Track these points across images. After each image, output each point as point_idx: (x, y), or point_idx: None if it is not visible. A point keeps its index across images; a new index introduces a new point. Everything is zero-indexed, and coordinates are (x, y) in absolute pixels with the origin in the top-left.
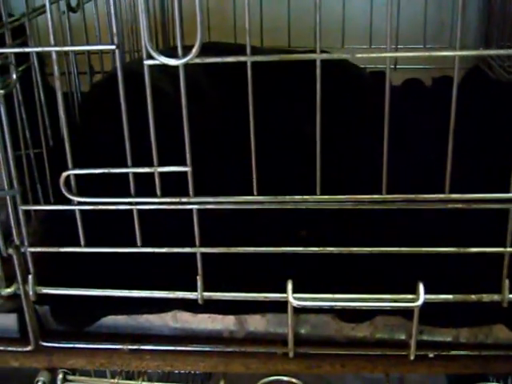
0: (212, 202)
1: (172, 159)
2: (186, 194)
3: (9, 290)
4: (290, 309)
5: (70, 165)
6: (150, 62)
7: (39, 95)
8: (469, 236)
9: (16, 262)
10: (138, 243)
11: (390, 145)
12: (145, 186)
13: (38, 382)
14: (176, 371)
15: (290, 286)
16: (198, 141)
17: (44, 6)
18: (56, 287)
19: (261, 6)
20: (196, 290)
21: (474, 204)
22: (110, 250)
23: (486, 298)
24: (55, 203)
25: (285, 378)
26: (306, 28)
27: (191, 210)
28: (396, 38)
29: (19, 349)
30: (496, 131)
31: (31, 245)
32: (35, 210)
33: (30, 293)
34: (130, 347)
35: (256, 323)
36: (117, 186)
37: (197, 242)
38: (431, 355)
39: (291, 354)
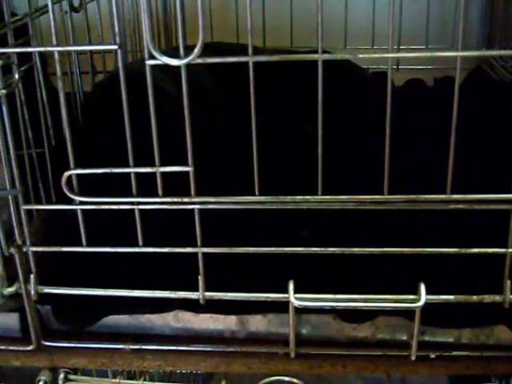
0: (213, 202)
1: (174, 159)
2: (188, 194)
3: (11, 290)
4: (291, 309)
5: (71, 164)
6: (152, 62)
7: (41, 95)
8: (470, 236)
9: (18, 261)
10: (140, 243)
11: (392, 145)
12: (147, 185)
13: (39, 381)
14: (177, 371)
15: (291, 286)
16: (199, 141)
17: (46, 5)
18: (58, 287)
19: (263, 7)
20: (197, 290)
21: (475, 205)
22: (111, 250)
23: (487, 298)
24: (57, 203)
25: (286, 378)
26: (308, 28)
27: (193, 209)
28: (398, 38)
29: (21, 348)
30: (498, 132)
31: (33, 244)
32: (37, 210)
33: (32, 292)
34: (131, 347)
35: (257, 323)
36: (119, 186)
37: (198, 242)
38: (433, 356)
39: (292, 354)
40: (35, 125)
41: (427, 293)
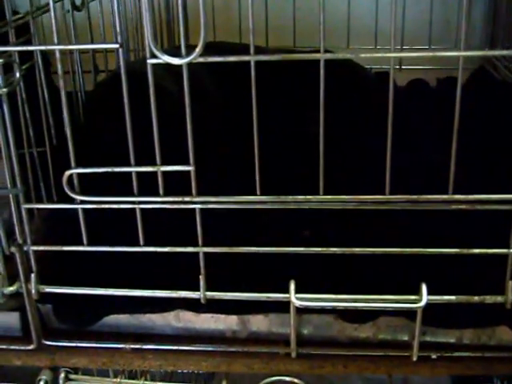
0: (215, 202)
1: (175, 158)
2: (189, 194)
3: (11, 289)
4: (292, 309)
5: (72, 163)
6: (154, 60)
7: (43, 94)
8: (472, 237)
9: (19, 260)
10: (141, 242)
11: (394, 145)
12: (148, 184)
13: (40, 380)
14: (179, 370)
15: (292, 286)
16: (201, 140)
17: (48, 4)
18: (58, 286)
19: (266, 6)
20: (199, 290)
21: (477, 205)
22: (112, 249)
23: (489, 299)
24: (58, 202)
25: (287, 379)
26: (311, 28)
27: (194, 209)
28: (401, 38)
29: (22, 347)
30: (500, 132)
31: (34, 243)
32: (38, 209)
33: (33, 291)
34: (132, 346)
35: (259, 323)
36: (120, 185)
37: (199, 242)
38: (434, 356)
39: (294, 355)
40: (37, 123)
41: (429, 293)
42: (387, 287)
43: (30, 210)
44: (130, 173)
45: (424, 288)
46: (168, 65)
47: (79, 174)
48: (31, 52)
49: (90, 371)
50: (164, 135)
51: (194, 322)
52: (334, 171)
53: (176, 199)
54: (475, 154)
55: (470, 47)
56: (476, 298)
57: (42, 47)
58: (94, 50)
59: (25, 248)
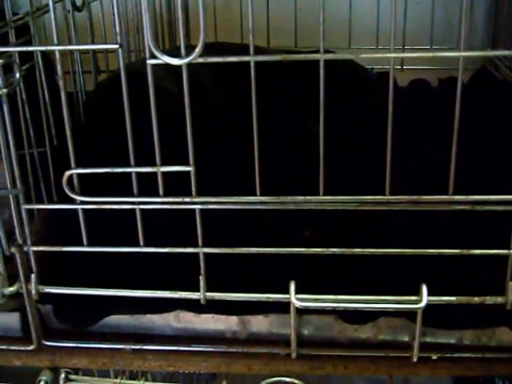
0: (214, 202)
1: (175, 159)
2: (189, 194)
3: (11, 289)
4: (292, 310)
5: (72, 164)
6: (153, 61)
7: (43, 94)
8: (473, 237)
9: (19, 260)
10: (141, 243)
11: (395, 145)
12: (149, 185)
13: (40, 381)
14: (180, 371)
15: (292, 287)
16: (201, 140)
17: (48, 4)
18: (59, 286)
19: (267, 6)
20: (199, 290)
21: (477, 206)
22: (112, 250)
23: (489, 300)
24: (58, 202)
25: (287, 379)
26: (312, 28)
27: (194, 209)
28: (403, 38)
29: (22, 348)
30: (502, 132)
31: (34, 244)
32: (38, 209)
33: (33, 292)
34: (132, 347)
35: (259, 324)
36: (120, 185)
37: (199, 242)
38: (434, 357)
39: (294, 355)
40: (39, 124)
41: (429, 294)
42: (387, 288)
43: (30, 211)
44: (130, 173)
45: (424, 289)
46: (168, 65)
47: (79, 175)
48: (32, 52)
49: (90, 372)
50: (164, 135)
51: (194, 323)
52: (335, 171)
53: (176, 200)
54: (477, 154)
55: (472, 47)
56: (476, 299)
57: (42, 48)
58: (95, 51)
59: (25, 248)
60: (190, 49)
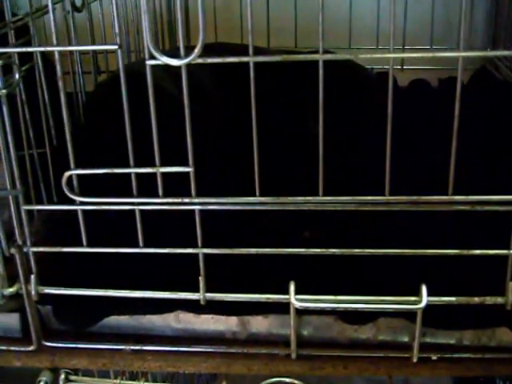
0: (214, 203)
1: (175, 159)
2: (190, 194)
3: (11, 290)
4: (292, 310)
5: (72, 165)
6: (152, 62)
7: (43, 95)
8: (473, 238)
9: (18, 261)
10: (140, 243)
11: (395, 145)
12: (149, 185)
13: (40, 381)
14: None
15: (292, 288)
16: (200, 141)
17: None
18: (58, 287)
19: (267, 6)
20: (198, 291)
21: (477, 206)
22: (112, 250)
23: (489, 300)
24: (58, 203)
25: (287, 380)
26: (312, 28)
27: (194, 210)
28: (403, 38)
29: (21, 348)
30: (502, 132)
31: (34, 244)
32: (38, 210)
33: (33, 292)
34: (132, 348)
35: (258, 324)
36: (120, 186)
37: (199, 243)
38: (434, 357)
39: (293, 356)
40: (40, 124)
41: (429, 294)
42: (387, 288)
43: (29, 212)
44: (130, 173)
45: (424, 289)
46: (168, 66)
47: (79, 175)
48: (32, 53)
49: (90, 372)
50: (164, 136)
51: (193, 323)
52: (335, 172)
53: (175, 200)
54: (477, 155)
55: (472, 48)
56: (476, 299)
57: (42, 48)
58: (95, 51)
59: (24, 249)
60: (189, 49)
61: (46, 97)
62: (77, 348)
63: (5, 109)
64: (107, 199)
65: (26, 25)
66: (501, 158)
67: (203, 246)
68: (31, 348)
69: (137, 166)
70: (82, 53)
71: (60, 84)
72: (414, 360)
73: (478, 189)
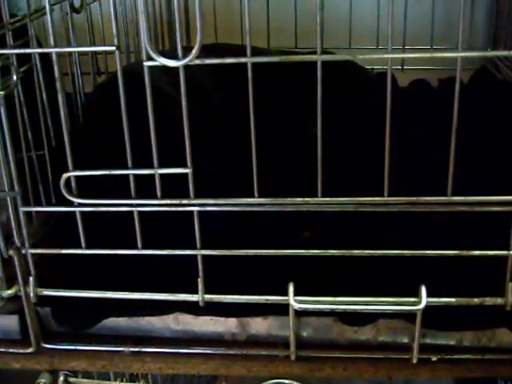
0: (213, 204)
1: (174, 160)
2: (189, 196)
3: (10, 292)
4: (291, 311)
5: (70, 166)
6: (150, 63)
7: (41, 96)
8: (472, 238)
9: (17, 263)
10: (139, 245)
11: (395, 146)
12: (148, 186)
13: (39, 383)
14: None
15: (291, 289)
16: (199, 142)
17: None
18: (57, 289)
19: (267, 7)
20: (197, 293)
21: (476, 207)
22: (111, 252)
23: (488, 301)
24: (56, 205)
25: (286, 381)
26: (313, 28)
27: (192, 212)
28: (403, 38)
29: (20, 350)
30: (502, 132)
31: (32, 246)
32: (36, 212)
33: (31, 294)
34: (131, 349)
35: (258, 326)
36: (120, 187)
37: (198, 244)
38: (434, 359)
39: (293, 357)
40: (39, 126)
41: (428, 295)
42: (386, 289)
43: (28, 213)
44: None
45: (423, 290)
46: (166, 67)
47: (77, 177)
48: (31, 54)
49: (89, 374)
50: (163, 137)
51: (192, 325)
52: (334, 173)
53: (174, 202)
54: (476, 155)
55: (473, 47)
56: (476, 300)
57: (39, 50)
58: (95, 52)
59: (23, 251)
60: (189, 50)
61: (45, 98)
62: (76, 350)
63: (2, 110)
64: (105, 201)
65: (26, 26)
66: (501, 158)
67: (202, 248)
68: (30, 350)
69: (136, 167)
70: (81, 54)
71: (58, 85)
72: (414, 361)
73: (478, 189)
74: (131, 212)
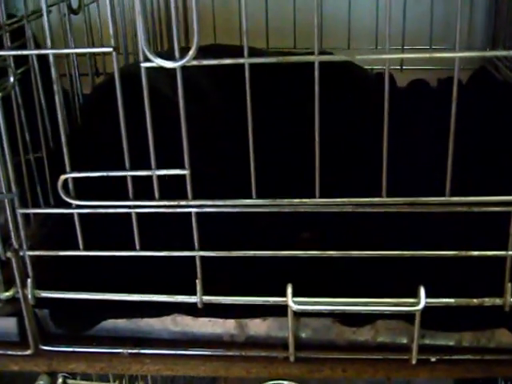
0: (211, 205)
1: (173, 161)
2: (187, 197)
3: (8, 294)
4: (290, 313)
5: (67, 168)
6: (147, 64)
7: (39, 97)
8: (471, 239)
9: (15, 265)
10: (137, 247)
11: (393, 147)
12: (146, 187)
13: None
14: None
15: (289, 290)
16: (197, 143)
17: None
18: (55, 291)
19: (266, 7)
20: (196, 294)
21: (474, 207)
22: (109, 254)
23: (487, 301)
24: (54, 206)
25: (285, 382)
26: (311, 29)
27: (190, 213)
28: (402, 38)
29: (19, 353)
30: (501, 132)
31: (30, 248)
32: (34, 214)
33: (29, 296)
34: (130, 351)
35: (256, 327)
36: (117, 188)
37: (196, 246)
38: (433, 359)
39: (292, 358)
40: (36, 127)
41: (427, 296)
42: (385, 290)
43: (25, 215)
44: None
45: (422, 291)
46: (164, 67)
47: (75, 178)
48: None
49: (88, 376)
50: (161, 138)
51: (191, 327)
52: (332, 173)
53: (172, 203)
54: (475, 155)
55: (472, 48)
56: (475, 301)
57: (36, 51)
58: (93, 53)
59: (21, 253)
60: (187, 51)
61: (43, 99)
62: (74, 352)
63: (0, 112)
64: (103, 202)
65: (24, 27)
66: (499, 159)
67: (200, 249)
68: (28, 352)
69: (134, 168)
70: (79, 55)
71: (55, 87)
72: (413, 362)
73: (477, 190)
74: (129, 213)
